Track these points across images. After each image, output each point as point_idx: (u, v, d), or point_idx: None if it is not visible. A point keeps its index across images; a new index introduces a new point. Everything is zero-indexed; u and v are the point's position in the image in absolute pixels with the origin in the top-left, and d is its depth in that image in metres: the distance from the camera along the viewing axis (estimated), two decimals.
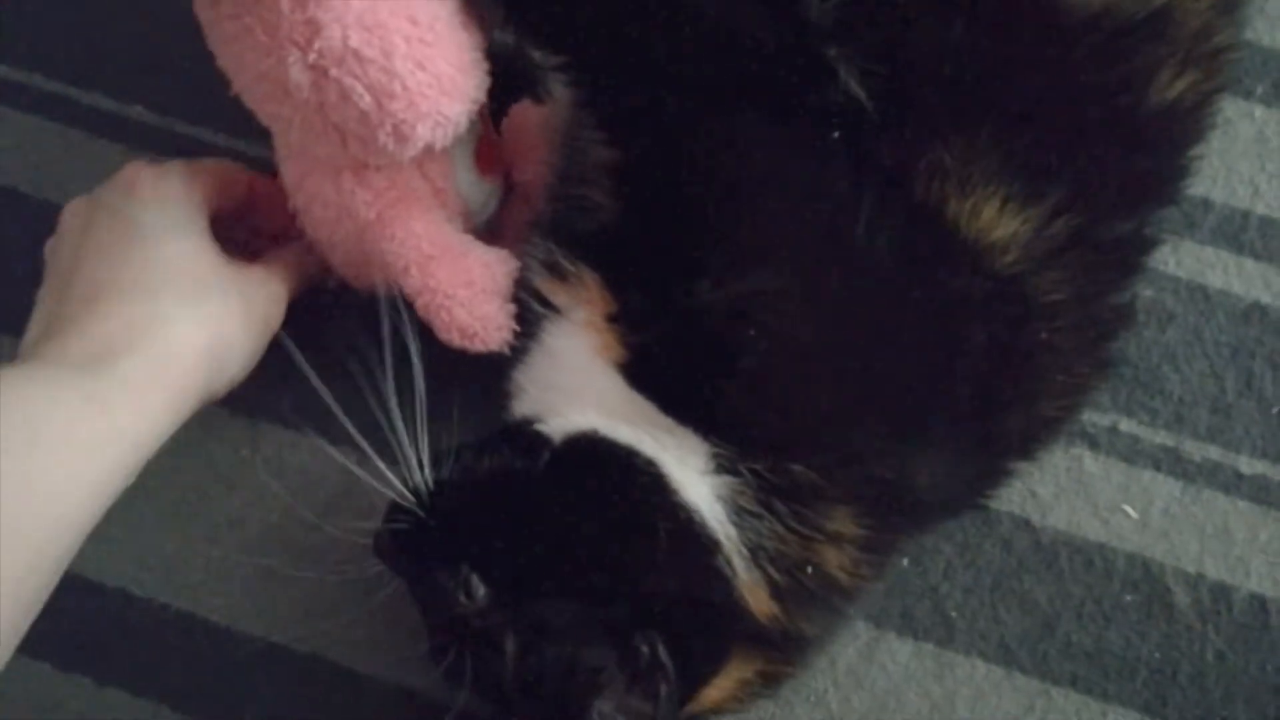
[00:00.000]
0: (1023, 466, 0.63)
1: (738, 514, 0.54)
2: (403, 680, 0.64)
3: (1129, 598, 0.67)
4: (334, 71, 0.52)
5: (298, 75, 0.53)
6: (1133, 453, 0.69)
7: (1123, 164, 0.58)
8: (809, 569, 0.55)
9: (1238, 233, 0.74)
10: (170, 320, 0.56)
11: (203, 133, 0.74)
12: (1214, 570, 0.67)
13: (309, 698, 0.65)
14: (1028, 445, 0.62)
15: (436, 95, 0.55)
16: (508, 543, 0.55)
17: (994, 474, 0.62)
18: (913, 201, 0.53)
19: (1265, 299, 0.73)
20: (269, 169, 0.67)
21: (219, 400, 0.61)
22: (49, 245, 0.62)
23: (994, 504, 0.67)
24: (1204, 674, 0.65)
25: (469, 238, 0.61)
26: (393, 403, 0.57)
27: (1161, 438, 0.70)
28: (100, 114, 0.75)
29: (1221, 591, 0.67)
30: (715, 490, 0.55)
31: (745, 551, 0.54)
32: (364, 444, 0.58)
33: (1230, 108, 0.77)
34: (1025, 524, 0.68)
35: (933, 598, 0.66)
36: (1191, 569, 0.67)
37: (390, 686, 0.64)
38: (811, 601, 0.56)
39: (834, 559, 0.56)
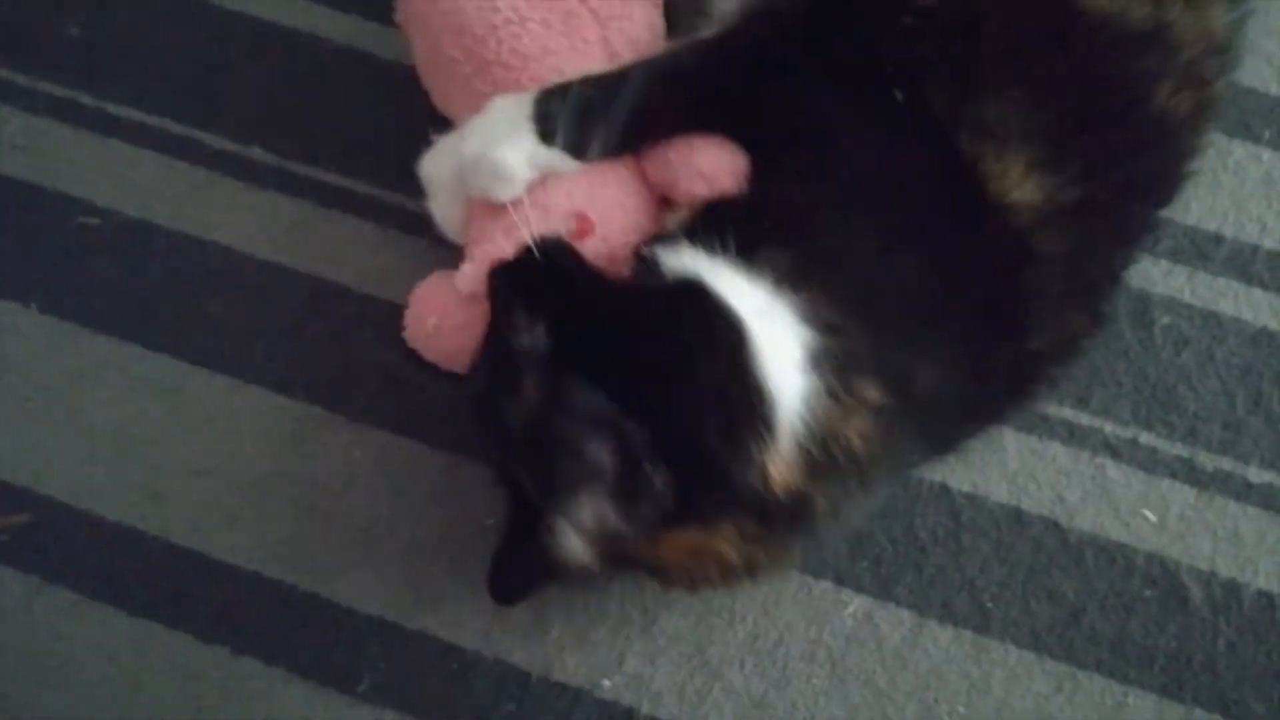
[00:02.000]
0: (1014, 407, 0.71)
1: (809, 398, 0.60)
2: (505, 656, 0.71)
3: (1148, 593, 0.73)
4: None
5: None
6: (1152, 463, 0.76)
7: (1129, 156, 0.68)
8: (839, 439, 0.61)
9: (1247, 264, 0.81)
10: None
11: (316, 172, 0.83)
12: (1225, 569, 0.74)
13: (419, 667, 0.71)
14: (1016, 377, 0.68)
15: None
16: (586, 322, 0.61)
17: (987, 404, 0.69)
18: (956, 156, 0.64)
19: (1273, 325, 0.79)
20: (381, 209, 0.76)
21: None
22: None
23: (1026, 508, 0.74)
24: (1216, 661, 0.72)
25: None
26: None
27: (1178, 449, 0.76)
28: (223, 154, 0.84)
29: (1232, 588, 0.73)
30: (797, 358, 0.61)
31: (800, 426, 0.60)
32: None
33: (1240, 151, 0.84)
34: (1054, 525, 0.75)
35: (970, 590, 0.73)
36: (1205, 567, 0.74)
37: (490, 661, 0.71)
38: (832, 473, 0.61)
39: (857, 426, 0.62)
